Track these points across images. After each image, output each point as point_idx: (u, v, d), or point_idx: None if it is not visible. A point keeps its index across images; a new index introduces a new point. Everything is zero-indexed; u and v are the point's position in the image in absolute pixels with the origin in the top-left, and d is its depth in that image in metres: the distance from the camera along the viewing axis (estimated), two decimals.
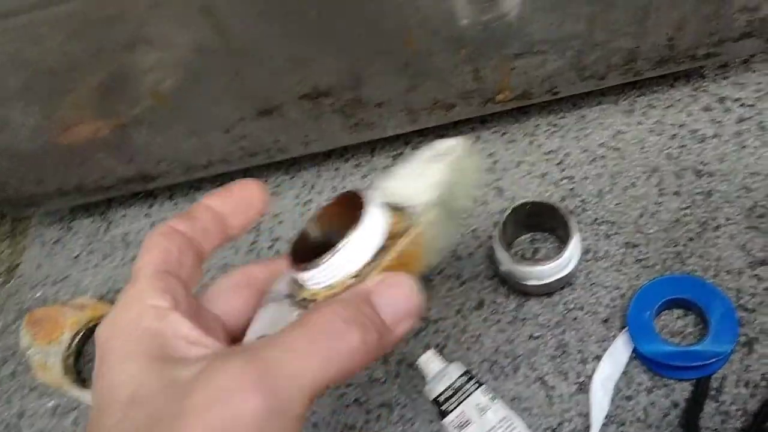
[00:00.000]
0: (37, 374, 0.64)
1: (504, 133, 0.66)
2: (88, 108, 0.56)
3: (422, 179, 0.30)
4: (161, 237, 0.29)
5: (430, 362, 0.56)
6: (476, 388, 0.54)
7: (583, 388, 0.55)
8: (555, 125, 0.65)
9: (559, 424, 0.54)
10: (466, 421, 0.52)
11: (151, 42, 0.50)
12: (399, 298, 0.27)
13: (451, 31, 0.52)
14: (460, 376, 0.55)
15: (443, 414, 0.53)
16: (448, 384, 0.55)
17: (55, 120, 0.57)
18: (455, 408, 0.54)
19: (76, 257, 0.72)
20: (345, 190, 0.28)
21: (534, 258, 0.60)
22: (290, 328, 0.25)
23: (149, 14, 0.46)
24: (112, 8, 0.46)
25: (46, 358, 0.64)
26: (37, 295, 0.71)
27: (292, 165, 0.70)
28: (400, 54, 0.54)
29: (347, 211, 0.27)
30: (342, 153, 0.69)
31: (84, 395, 0.63)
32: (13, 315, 0.70)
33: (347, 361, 0.25)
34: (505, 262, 0.56)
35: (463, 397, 0.54)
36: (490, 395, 0.54)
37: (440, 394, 0.54)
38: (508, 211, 0.55)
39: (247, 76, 0.54)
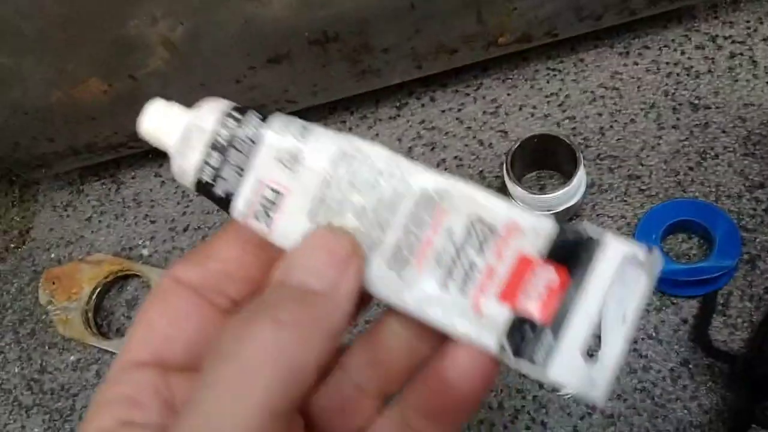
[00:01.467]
0: (59, 329, 0.65)
1: (505, 79, 0.68)
2: (101, 60, 0.57)
3: None
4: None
5: None
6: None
7: None
8: (554, 69, 0.67)
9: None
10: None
11: None
12: (310, 254, 0.24)
13: None
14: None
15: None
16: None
17: (68, 74, 0.58)
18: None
19: (87, 219, 0.72)
20: None
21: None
22: (196, 391, 0.20)
23: None
24: None
25: (66, 314, 0.65)
26: (51, 256, 0.71)
27: (299, 118, 0.71)
28: None
29: None
30: (347, 105, 0.71)
31: (105, 345, 0.64)
32: (28, 277, 0.71)
33: (281, 375, 0.20)
34: (515, 193, 0.57)
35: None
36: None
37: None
38: (516, 144, 0.57)
39: (257, 22, 0.55)
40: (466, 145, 0.66)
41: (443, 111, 0.69)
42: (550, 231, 0.23)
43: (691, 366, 0.54)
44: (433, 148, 0.67)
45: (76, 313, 0.65)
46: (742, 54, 0.64)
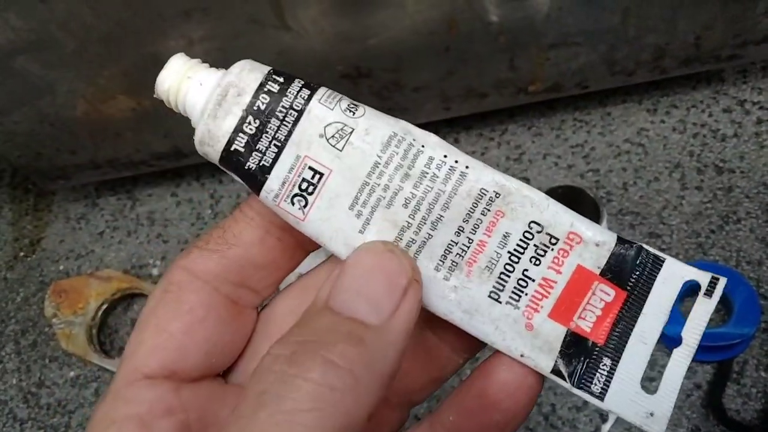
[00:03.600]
0: (61, 343, 0.64)
1: (531, 127, 0.68)
2: (133, 78, 0.57)
3: None
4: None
5: None
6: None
7: None
8: (581, 121, 0.68)
9: (584, 403, 0.55)
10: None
11: (208, 11, 0.51)
12: (365, 278, 0.20)
13: (492, 16, 0.55)
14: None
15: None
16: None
17: (99, 88, 0.58)
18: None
19: (100, 233, 0.72)
20: None
21: None
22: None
23: None
24: None
25: (71, 328, 0.64)
26: (60, 268, 0.71)
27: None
28: (443, 37, 0.56)
29: None
30: None
31: (106, 363, 0.63)
32: (34, 288, 0.70)
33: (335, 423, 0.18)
34: None
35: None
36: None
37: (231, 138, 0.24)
38: None
39: (291, 52, 0.56)
40: None
41: (466, 154, 0.68)
42: (611, 246, 0.22)
43: None
44: None
45: (80, 328, 0.64)
46: None
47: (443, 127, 0.70)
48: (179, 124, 0.63)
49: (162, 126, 0.62)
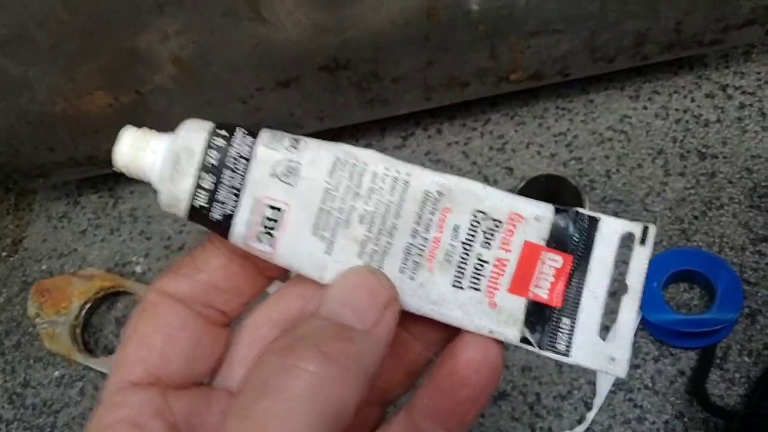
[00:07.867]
0: (45, 343, 0.63)
1: (513, 116, 0.68)
2: (110, 73, 0.57)
3: None
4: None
5: None
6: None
7: None
8: (563, 109, 0.67)
9: (569, 392, 0.55)
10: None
11: (182, 4, 0.51)
12: (351, 293, 0.23)
13: (472, 5, 0.54)
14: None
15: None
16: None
17: (76, 84, 0.58)
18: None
19: (82, 232, 0.71)
20: None
21: None
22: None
23: None
24: None
25: (54, 328, 0.64)
26: (43, 268, 0.70)
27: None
28: (422, 26, 0.55)
29: None
30: (352, 132, 0.70)
31: (91, 362, 0.63)
32: (17, 288, 0.70)
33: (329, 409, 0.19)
34: None
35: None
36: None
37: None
38: (523, 183, 0.57)
39: (269, 45, 0.55)
40: None
41: (449, 144, 0.68)
42: (550, 217, 0.24)
43: (686, 419, 0.53)
44: None
45: (63, 327, 0.64)
46: (751, 105, 0.64)
47: (426, 118, 0.69)
48: (158, 121, 0.63)
49: (141, 121, 0.61)
